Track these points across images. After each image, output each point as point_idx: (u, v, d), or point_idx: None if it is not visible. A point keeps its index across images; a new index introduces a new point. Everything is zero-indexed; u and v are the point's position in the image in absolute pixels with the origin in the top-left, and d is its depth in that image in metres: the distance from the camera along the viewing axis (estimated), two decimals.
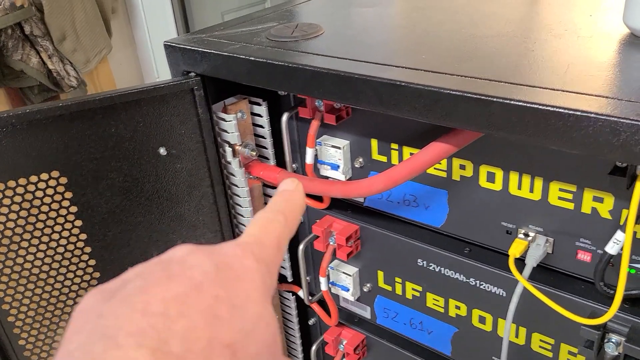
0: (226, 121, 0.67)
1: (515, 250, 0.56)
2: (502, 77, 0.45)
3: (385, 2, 0.75)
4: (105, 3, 1.77)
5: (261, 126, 0.72)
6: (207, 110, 0.66)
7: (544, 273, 0.58)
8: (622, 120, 0.37)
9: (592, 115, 0.38)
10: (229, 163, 0.70)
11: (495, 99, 0.42)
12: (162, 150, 0.67)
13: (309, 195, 0.73)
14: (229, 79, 0.61)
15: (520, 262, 0.57)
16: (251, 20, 0.72)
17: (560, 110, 0.39)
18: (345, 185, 0.62)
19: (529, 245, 0.57)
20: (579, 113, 0.39)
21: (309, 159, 0.69)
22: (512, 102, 0.41)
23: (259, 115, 0.71)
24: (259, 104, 0.71)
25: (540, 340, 0.61)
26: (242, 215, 0.74)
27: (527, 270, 0.55)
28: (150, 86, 0.63)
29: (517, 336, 0.63)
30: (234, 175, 0.71)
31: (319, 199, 0.74)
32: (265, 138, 0.72)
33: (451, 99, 0.44)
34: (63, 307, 0.69)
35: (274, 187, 0.76)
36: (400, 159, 0.64)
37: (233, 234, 0.74)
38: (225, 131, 0.68)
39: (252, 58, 0.57)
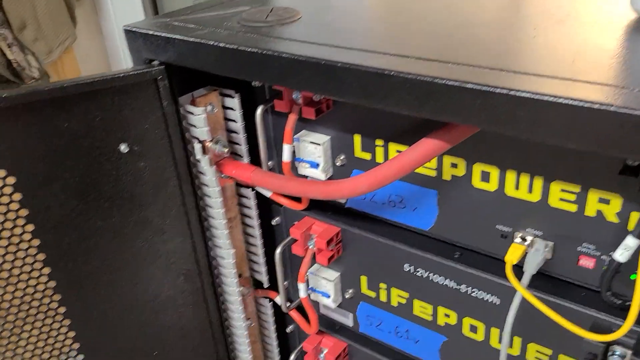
0: (195, 115, 0.61)
1: (512, 256, 0.52)
2: (503, 66, 0.40)
3: None
4: None
5: (234, 120, 0.66)
6: (173, 102, 0.60)
7: (541, 280, 0.54)
8: None
9: (612, 108, 0.33)
10: (198, 161, 0.64)
11: (498, 90, 0.37)
12: (124, 147, 0.60)
13: (286, 195, 0.68)
14: (195, 67, 0.55)
15: (517, 269, 0.52)
16: (221, 3, 0.65)
17: (576, 102, 0.34)
18: (326, 186, 0.57)
19: (527, 251, 0.53)
20: (597, 106, 0.34)
21: (286, 156, 0.63)
22: (519, 93, 0.36)
23: (231, 108, 0.65)
24: (231, 97, 0.65)
25: (537, 351, 0.57)
26: (213, 218, 0.68)
27: (526, 279, 0.51)
28: (108, 76, 0.56)
29: (511, 346, 0.58)
30: (204, 174, 0.65)
31: (297, 199, 0.68)
32: (238, 134, 0.66)
33: (447, 90, 0.39)
34: (14, 320, 0.63)
35: (248, 187, 0.70)
36: (386, 156, 0.59)
37: (204, 237, 0.68)
38: (194, 126, 0.62)
39: (222, 44, 0.51)
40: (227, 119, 0.66)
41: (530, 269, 0.51)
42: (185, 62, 0.55)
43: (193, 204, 0.65)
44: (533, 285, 0.53)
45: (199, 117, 0.61)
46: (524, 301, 0.51)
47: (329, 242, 0.66)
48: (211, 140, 0.64)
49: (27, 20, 1.55)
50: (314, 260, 0.69)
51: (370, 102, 0.44)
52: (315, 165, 0.63)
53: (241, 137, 0.66)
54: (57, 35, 1.64)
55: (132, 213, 0.64)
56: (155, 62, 0.58)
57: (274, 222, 0.74)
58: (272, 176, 0.63)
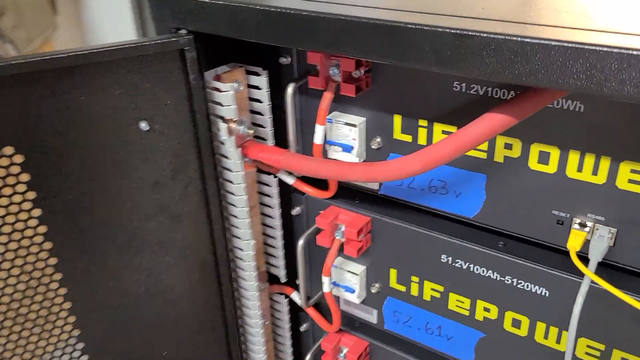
0: (221, 91, 0.56)
1: (574, 242, 0.49)
2: (595, 27, 0.37)
3: None
4: None
5: (259, 100, 0.61)
6: (200, 77, 0.55)
7: (599, 269, 0.51)
8: None
9: None
10: (222, 143, 0.59)
11: (606, 49, 0.33)
12: (144, 125, 0.55)
13: (309, 182, 0.63)
14: (232, 36, 0.50)
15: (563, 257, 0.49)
16: None
17: None
18: (369, 168, 0.52)
19: (587, 238, 0.50)
20: None
21: (319, 138, 0.59)
22: (630, 51, 0.33)
23: (256, 87, 0.61)
24: (257, 74, 0.60)
25: (588, 346, 0.54)
26: (234, 206, 0.63)
27: (592, 266, 0.47)
28: (131, 44, 0.51)
29: (558, 341, 0.55)
30: (227, 158, 0.60)
31: (323, 187, 0.64)
32: (263, 115, 0.62)
33: (542, 50, 0.35)
34: (15, 317, 0.56)
35: (270, 174, 0.65)
36: (430, 138, 0.55)
37: (223, 226, 0.63)
38: (220, 104, 0.57)
39: (266, 8, 0.47)
40: (251, 99, 0.61)
41: (595, 256, 0.48)
42: (220, 30, 0.50)
43: (215, 189, 0.60)
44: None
45: (227, 94, 0.56)
46: (574, 292, 0.48)
47: (359, 232, 0.61)
48: (235, 121, 0.59)
49: (7, 7, 1.47)
50: (339, 252, 0.64)
51: (442, 68, 0.40)
52: (348, 148, 0.59)
53: (267, 119, 0.62)
54: (38, 24, 1.56)
55: (149, 197, 0.58)
56: (183, 32, 0.53)
57: (294, 213, 0.69)
58: (306, 159, 0.58)
